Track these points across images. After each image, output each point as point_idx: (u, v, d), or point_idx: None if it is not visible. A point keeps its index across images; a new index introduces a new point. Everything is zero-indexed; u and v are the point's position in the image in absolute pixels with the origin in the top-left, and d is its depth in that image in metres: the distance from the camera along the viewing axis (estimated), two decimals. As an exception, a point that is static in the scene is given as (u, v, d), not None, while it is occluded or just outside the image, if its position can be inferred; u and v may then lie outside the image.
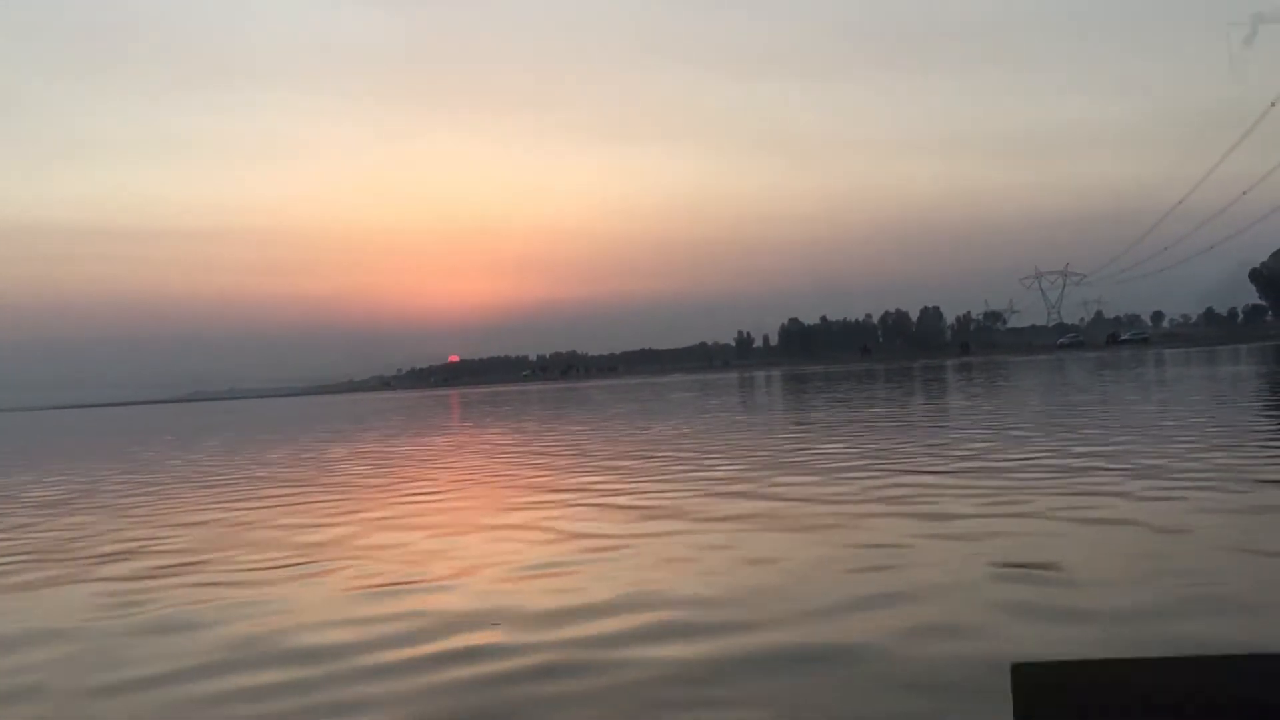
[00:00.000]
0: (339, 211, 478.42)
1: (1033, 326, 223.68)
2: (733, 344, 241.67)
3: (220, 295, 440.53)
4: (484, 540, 7.56)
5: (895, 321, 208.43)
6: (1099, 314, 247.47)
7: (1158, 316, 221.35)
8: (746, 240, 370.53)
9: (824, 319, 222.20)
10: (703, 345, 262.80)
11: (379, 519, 9.18)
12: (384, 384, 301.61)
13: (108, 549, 8.28)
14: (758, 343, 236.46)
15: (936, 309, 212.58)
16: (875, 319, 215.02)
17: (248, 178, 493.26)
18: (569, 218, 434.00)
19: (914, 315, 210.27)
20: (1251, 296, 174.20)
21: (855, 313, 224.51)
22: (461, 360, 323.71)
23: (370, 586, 5.97)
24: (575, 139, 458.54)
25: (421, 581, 6.06)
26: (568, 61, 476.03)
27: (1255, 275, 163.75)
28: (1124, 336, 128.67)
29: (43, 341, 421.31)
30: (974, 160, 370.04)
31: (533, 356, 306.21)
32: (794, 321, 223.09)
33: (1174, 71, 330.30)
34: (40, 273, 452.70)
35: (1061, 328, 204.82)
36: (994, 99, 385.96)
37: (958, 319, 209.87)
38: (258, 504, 11.05)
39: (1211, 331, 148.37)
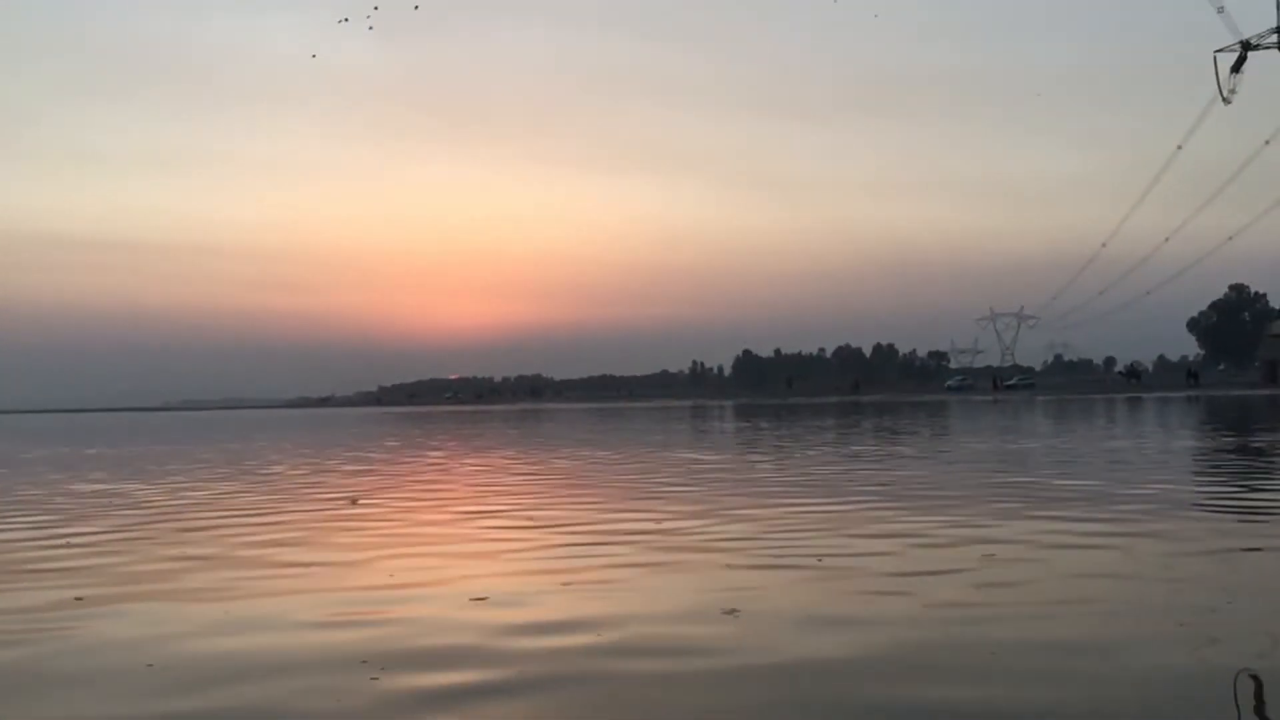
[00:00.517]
0: (329, 232, 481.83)
1: (989, 367, 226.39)
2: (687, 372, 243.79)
3: (211, 308, 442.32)
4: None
5: (847, 356, 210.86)
6: (1058, 357, 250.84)
7: (1110, 362, 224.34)
8: (714, 271, 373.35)
9: (778, 351, 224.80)
10: (664, 373, 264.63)
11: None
12: (322, 401, 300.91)
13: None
14: (714, 371, 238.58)
15: (891, 345, 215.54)
16: (829, 353, 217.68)
17: (248, 196, 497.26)
18: (547, 244, 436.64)
19: (867, 351, 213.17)
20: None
21: (810, 347, 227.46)
22: (432, 379, 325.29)
23: None
24: (558, 169, 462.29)
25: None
26: (557, 94, 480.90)
27: (1193, 325, 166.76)
28: (1009, 382, 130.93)
29: (49, 347, 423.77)
30: (946, 203, 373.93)
31: (497, 379, 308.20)
32: (747, 353, 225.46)
33: (1144, 125, 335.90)
34: (51, 281, 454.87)
35: (1016, 369, 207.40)
36: (969, 145, 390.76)
37: (904, 356, 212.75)
38: None
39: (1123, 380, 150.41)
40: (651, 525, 8.85)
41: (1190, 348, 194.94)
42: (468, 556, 7.45)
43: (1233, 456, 15.92)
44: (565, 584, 6.30)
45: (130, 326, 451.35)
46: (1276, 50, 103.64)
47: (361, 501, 11.67)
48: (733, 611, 5.26)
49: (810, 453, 18.88)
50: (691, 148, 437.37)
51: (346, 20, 67.33)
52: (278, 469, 17.96)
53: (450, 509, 10.95)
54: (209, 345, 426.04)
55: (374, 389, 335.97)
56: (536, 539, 8.25)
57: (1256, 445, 17.98)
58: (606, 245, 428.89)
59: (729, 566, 6.76)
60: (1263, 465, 14.39)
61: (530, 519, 9.58)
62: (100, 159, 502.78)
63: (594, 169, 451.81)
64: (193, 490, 13.73)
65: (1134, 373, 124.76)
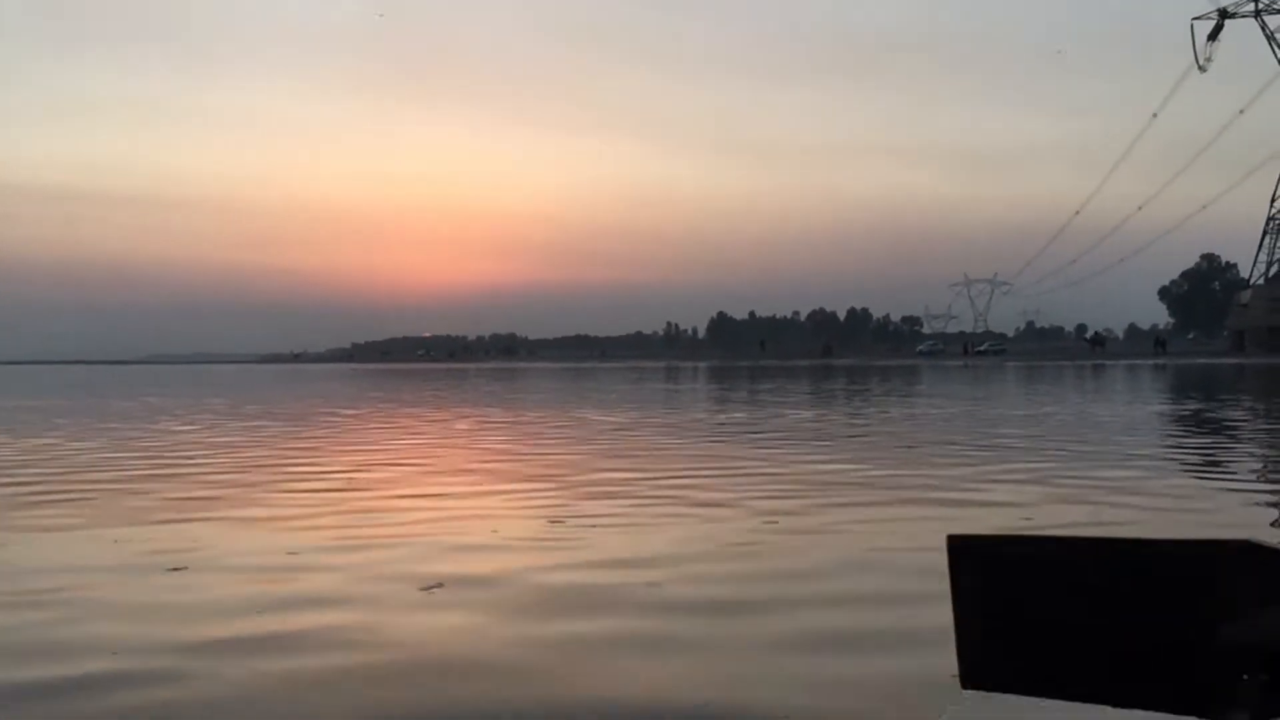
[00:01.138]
0: (308, 188, 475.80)
1: (961, 333, 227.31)
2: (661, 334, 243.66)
3: (184, 263, 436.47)
4: None
5: (821, 320, 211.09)
6: (1030, 324, 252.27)
7: (1080, 329, 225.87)
8: (690, 233, 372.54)
9: (752, 314, 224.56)
10: (639, 334, 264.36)
11: None
12: (294, 357, 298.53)
13: None
14: (687, 333, 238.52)
15: (866, 310, 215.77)
16: (803, 317, 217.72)
17: (221, 150, 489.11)
18: (526, 205, 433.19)
19: (841, 316, 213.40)
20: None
21: (784, 310, 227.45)
22: (405, 337, 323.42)
23: None
24: (537, 130, 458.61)
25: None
26: (535, 53, 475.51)
27: (1164, 293, 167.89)
28: (979, 348, 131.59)
29: (17, 298, 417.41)
30: (923, 168, 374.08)
31: (472, 337, 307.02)
32: (722, 315, 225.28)
33: (1121, 92, 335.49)
34: (11, 233, 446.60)
35: (989, 335, 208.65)
36: (947, 110, 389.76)
37: (877, 321, 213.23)
38: None
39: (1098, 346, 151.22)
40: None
41: (1162, 316, 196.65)
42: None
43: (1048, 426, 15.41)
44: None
45: (101, 280, 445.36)
46: (1253, 19, 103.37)
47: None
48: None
49: (693, 414, 18.50)
50: (670, 109, 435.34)
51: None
52: (161, 426, 17.07)
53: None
54: (181, 300, 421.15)
55: (348, 345, 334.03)
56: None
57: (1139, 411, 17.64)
58: (584, 206, 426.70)
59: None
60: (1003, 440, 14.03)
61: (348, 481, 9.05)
62: (72, 109, 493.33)
63: (573, 129, 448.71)
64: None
65: (1098, 340, 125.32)
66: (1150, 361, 74.82)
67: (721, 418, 17.52)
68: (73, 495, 7.93)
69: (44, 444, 13.03)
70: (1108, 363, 75.21)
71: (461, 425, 16.69)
